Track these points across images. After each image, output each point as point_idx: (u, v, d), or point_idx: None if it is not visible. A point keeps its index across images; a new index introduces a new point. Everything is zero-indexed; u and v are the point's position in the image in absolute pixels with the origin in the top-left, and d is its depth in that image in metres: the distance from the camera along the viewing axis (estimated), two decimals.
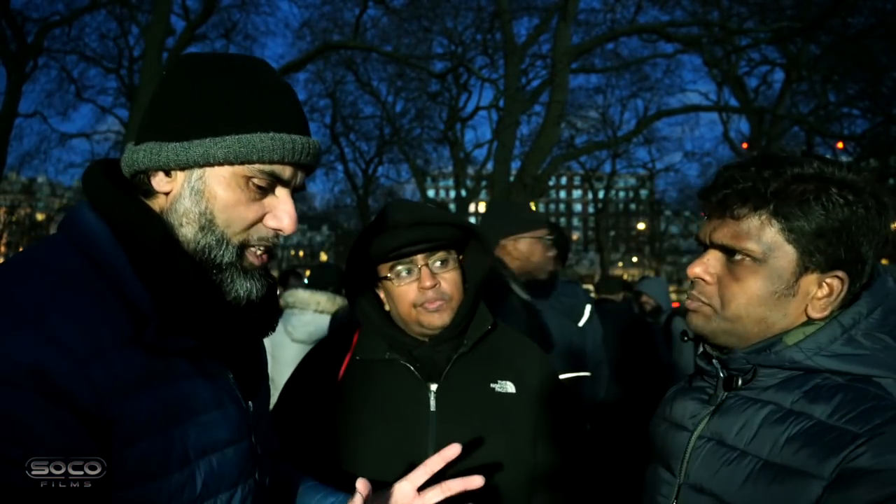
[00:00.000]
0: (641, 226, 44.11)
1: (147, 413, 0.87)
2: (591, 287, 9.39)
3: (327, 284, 4.28)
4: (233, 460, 1.00)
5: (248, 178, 0.99)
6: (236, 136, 0.96)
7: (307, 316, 4.08)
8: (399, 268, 1.56)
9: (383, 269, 1.58)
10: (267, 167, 0.99)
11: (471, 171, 27.32)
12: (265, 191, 1.01)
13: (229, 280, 1.01)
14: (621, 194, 46.88)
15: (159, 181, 1.00)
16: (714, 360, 1.19)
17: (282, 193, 1.03)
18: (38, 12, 17.85)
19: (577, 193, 68.33)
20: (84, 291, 0.88)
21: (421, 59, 19.18)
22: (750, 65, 21.39)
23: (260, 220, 1.02)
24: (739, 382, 1.14)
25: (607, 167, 31.61)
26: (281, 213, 1.03)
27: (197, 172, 0.98)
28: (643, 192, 40.44)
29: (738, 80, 20.63)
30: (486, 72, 20.92)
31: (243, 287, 1.02)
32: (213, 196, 0.99)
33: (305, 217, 42.04)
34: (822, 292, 1.10)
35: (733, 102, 21.28)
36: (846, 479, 0.94)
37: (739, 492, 1.06)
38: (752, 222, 1.10)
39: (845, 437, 0.97)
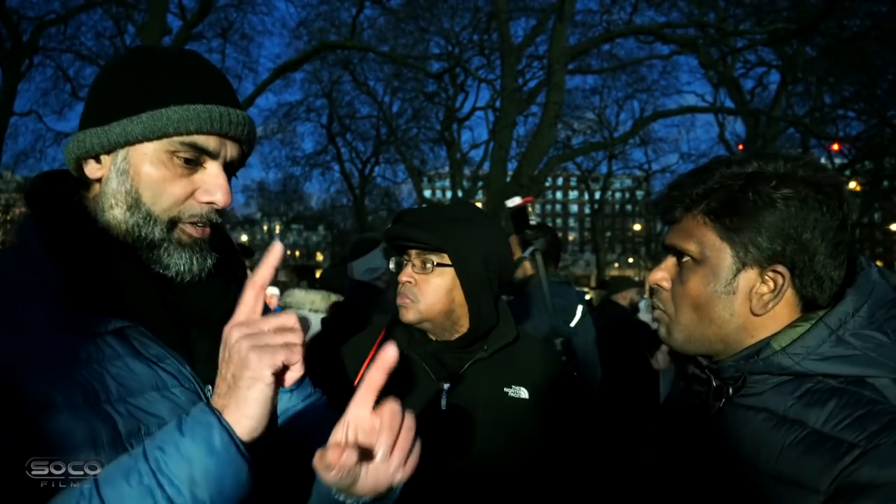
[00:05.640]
0: (637, 227, 44.15)
1: (65, 389, 0.87)
2: (586, 288, 9.39)
3: (341, 288, 4.26)
4: None
5: (172, 153, 0.99)
6: (151, 112, 0.97)
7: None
8: (400, 258, 1.69)
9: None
10: (186, 138, 0.99)
11: (467, 171, 27.31)
12: (193, 165, 1.01)
13: (165, 255, 1.02)
14: (617, 195, 46.98)
15: (91, 169, 1.03)
16: (706, 369, 1.18)
17: (211, 166, 1.03)
18: (34, 11, 17.81)
19: (573, 194, 68.36)
20: (10, 285, 0.92)
21: (418, 60, 19.17)
22: (746, 66, 21.48)
23: (190, 195, 1.02)
24: (730, 391, 1.12)
25: (603, 168, 31.62)
26: (211, 185, 1.02)
27: (121, 153, 1.00)
28: (639, 194, 40.49)
29: (734, 82, 20.69)
30: (483, 72, 20.96)
31: (181, 260, 1.02)
32: (137, 174, 1.00)
33: (301, 217, 41.99)
34: (765, 288, 1.08)
35: (729, 104, 21.35)
36: (845, 495, 0.90)
37: (736, 502, 1.03)
38: (689, 223, 1.13)
39: (841, 447, 0.93)
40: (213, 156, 1.02)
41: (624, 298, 5.98)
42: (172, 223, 1.02)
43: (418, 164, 26.36)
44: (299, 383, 1.35)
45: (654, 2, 17.12)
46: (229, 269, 1.16)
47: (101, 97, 1.02)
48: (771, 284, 1.08)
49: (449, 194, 35.23)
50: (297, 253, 51.51)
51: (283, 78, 19.00)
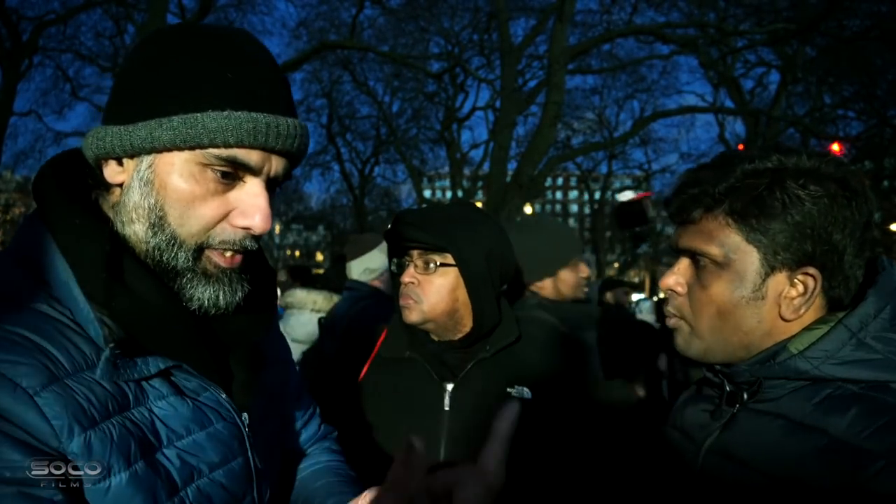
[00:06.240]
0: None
1: (118, 441, 0.78)
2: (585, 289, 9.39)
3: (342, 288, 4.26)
4: (223, 483, 0.89)
5: (205, 166, 0.84)
6: (184, 116, 0.82)
7: (305, 316, 4.09)
8: (402, 259, 1.66)
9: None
10: (224, 152, 0.83)
11: (467, 171, 27.30)
12: (229, 182, 0.86)
13: (188, 287, 0.88)
14: (617, 195, 46.98)
15: (111, 171, 0.88)
16: (718, 374, 1.12)
17: (251, 184, 0.87)
18: (34, 11, 17.82)
19: (573, 194, 68.37)
20: (30, 316, 0.79)
21: (418, 59, 19.15)
22: (746, 66, 21.48)
23: (223, 217, 0.87)
24: (745, 397, 1.06)
25: (603, 168, 31.68)
26: (249, 207, 0.87)
27: (146, 160, 0.85)
28: None
29: (734, 82, 20.68)
30: (483, 72, 20.94)
31: (206, 294, 0.88)
32: (163, 187, 0.84)
33: (301, 217, 41.97)
34: (795, 291, 1.02)
35: (729, 104, 21.33)
36: None
37: None
38: (710, 224, 1.05)
39: (863, 456, 0.88)
40: (255, 172, 0.87)
41: (613, 299, 6.00)
42: (199, 249, 0.87)
43: (418, 164, 26.36)
44: (307, 421, 1.32)
45: (654, 2, 17.11)
46: (265, 290, 1.04)
47: (127, 88, 0.86)
48: (801, 288, 1.02)
49: (449, 194, 35.23)
50: (297, 253, 51.51)
51: None
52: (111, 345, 0.80)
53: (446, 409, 1.57)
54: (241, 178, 0.87)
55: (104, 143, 0.86)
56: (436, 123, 25.18)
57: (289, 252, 50.69)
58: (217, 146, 0.83)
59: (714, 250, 1.04)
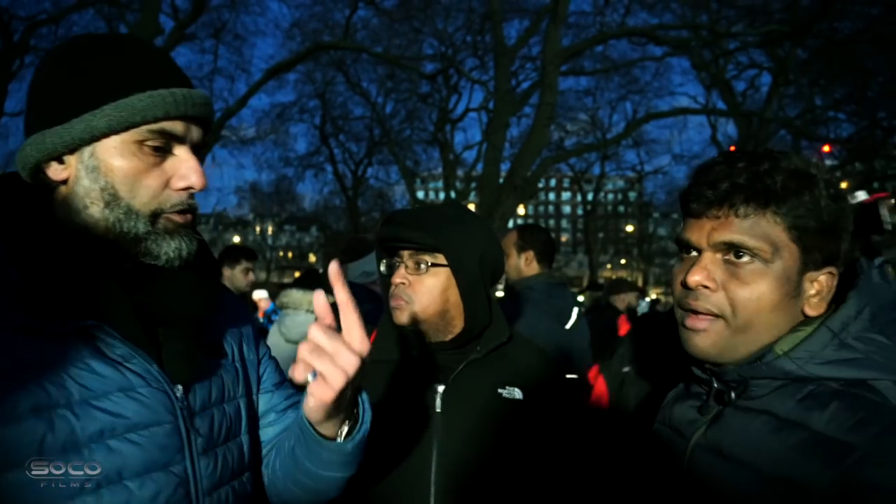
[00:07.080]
0: (630, 228, 44.24)
1: (8, 400, 0.86)
2: (576, 289, 9.39)
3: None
4: (142, 445, 0.96)
5: (141, 143, 0.97)
6: (114, 103, 0.95)
7: (300, 316, 4.07)
8: (392, 260, 1.65)
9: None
10: (155, 126, 0.97)
11: (460, 172, 27.28)
12: (162, 153, 1.00)
13: (154, 246, 1.00)
14: (610, 196, 47.14)
15: (54, 171, 0.99)
16: (707, 371, 1.14)
17: (181, 151, 1.01)
18: (25, 11, 17.73)
19: (566, 195, 68.61)
20: None
21: (411, 61, 19.18)
22: (738, 68, 21.59)
23: (166, 185, 1.00)
24: (732, 396, 1.09)
25: (596, 169, 31.83)
26: (185, 170, 1.01)
27: (87, 150, 0.97)
28: (632, 195, 40.69)
29: (727, 84, 20.79)
30: (477, 73, 21.01)
31: (170, 248, 1.01)
32: (109, 169, 0.97)
33: (294, 218, 41.95)
34: (814, 289, 1.07)
35: (721, 105, 21.45)
36: (849, 497, 0.90)
37: None
38: (758, 220, 1.05)
39: (843, 449, 0.93)
40: (181, 140, 1.01)
41: (622, 301, 5.95)
42: (155, 215, 1.00)
43: (411, 165, 26.38)
44: (292, 405, 1.36)
45: (647, 4, 17.22)
46: (201, 266, 1.12)
47: (52, 94, 0.98)
48: (817, 287, 1.08)
49: (442, 195, 35.28)
50: (290, 254, 51.42)
51: (277, 79, 18.97)
52: (28, 300, 0.90)
53: (438, 410, 1.55)
54: (170, 150, 1.01)
55: (45, 145, 0.96)
56: (429, 124, 25.21)
57: (281, 253, 50.60)
58: (148, 122, 0.96)
59: (764, 247, 1.05)
